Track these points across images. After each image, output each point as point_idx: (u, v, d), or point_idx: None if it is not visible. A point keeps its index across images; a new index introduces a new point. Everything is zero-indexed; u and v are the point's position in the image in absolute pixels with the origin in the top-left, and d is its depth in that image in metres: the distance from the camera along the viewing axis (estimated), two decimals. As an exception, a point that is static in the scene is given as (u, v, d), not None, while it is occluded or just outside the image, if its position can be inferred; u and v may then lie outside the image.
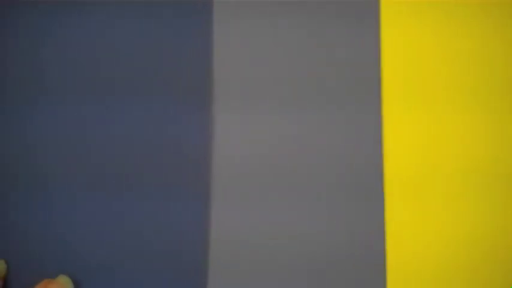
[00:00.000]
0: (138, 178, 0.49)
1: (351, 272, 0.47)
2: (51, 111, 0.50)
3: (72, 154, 0.49)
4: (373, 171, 0.48)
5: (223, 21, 0.51)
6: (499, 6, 0.51)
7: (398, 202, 0.48)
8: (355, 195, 0.48)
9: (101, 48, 0.51)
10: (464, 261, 0.47)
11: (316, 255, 0.48)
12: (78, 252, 0.48)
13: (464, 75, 0.50)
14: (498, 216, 0.48)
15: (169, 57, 0.50)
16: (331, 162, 0.48)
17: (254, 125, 0.49)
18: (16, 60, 0.51)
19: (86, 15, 0.51)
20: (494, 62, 0.50)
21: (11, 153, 0.49)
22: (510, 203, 0.48)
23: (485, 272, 0.47)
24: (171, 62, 0.50)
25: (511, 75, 0.50)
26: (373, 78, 0.50)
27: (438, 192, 0.48)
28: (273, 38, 0.50)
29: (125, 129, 0.49)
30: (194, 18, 0.51)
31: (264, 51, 0.50)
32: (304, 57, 0.50)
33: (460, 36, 0.50)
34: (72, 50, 0.51)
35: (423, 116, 0.50)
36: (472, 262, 0.47)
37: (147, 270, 0.48)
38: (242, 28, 0.51)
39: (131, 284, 0.48)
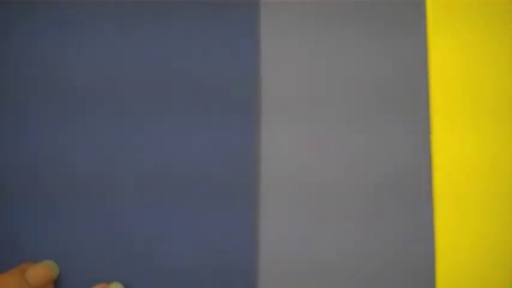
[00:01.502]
0: (187, 189, 0.48)
1: (399, 282, 0.47)
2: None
3: (124, 164, 0.49)
4: (422, 181, 0.48)
5: (270, 31, 0.51)
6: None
7: (448, 212, 0.48)
8: (404, 205, 0.48)
9: (145, 60, 0.51)
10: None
11: (365, 264, 0.47)
12: (130, 260, 0.48)
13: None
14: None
15: (215, 68, 0.50)
16: (379, 172, 0.48)
17: (302, 134, 0.49)
18: (44, 70, 0.51)
19: (123, 24, 0.51)
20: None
21: (63, 160, 0.49)
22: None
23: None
24: (217, 72, 0.50)
25: None
26: (420, 87, 0.49)
27: (488, 200, 0.48)
28: (321, 45, 0.50)
29: (172, 140, 0.49)
30: (241, 27, 0.51)
31: (311, 60, 0.50)
32: (352, 67, 0.50)
33: (509, 42, 0.50)
34: (111, 60, 0.51)
35: (472, 124, 0.49)
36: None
37: (197, 280, 0.47)
38: (288, 38, 0.50)
39: None
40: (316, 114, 0.49)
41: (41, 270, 0.46)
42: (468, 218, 0.48)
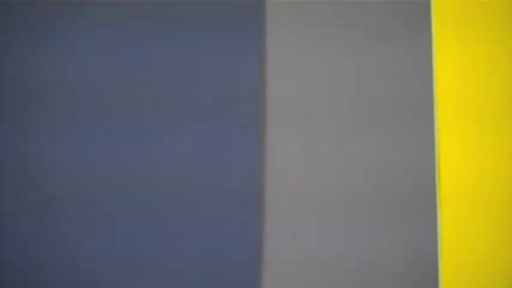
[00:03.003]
0: (192, 198, 0.48)
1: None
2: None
3: (129, 173, 0.49)
4: (429, 187, 0.47)
5: (275, 32, 0.50)
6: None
7: (454, 217, 0.48)
8: (411, 213, 0.47)
9: (144, 64, 0.50)
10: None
11: (370, 272, 0.47)
12: (134, 269, 0.48)
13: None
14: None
15: (219, 72, 0.50)
16: (386, 179, 0.48)
17: (307, 145, 0.49)
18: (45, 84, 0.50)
19: (122, 34, 0.51)
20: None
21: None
22: None
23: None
24: (222, 76, 0.50)
25: None
26: (427, 92, 0.49)
27: (495, 206, 0.48)
28: (326, 56, 0.50)
29: (176, 151, 0.49)
30: (246, 28, 0.50)
31: (316, 71, 0.50)
32: (359, 70, 0.49)
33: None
34: (105, 71, 0.50)
35: (479, 128, 0.49)
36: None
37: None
38: (293, 47, 0.50)
39: None
40: (322, 119, 0.49)
41: None
42: (474, 222, 0.48)
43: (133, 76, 0.50)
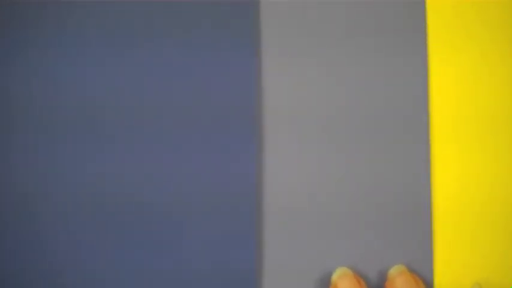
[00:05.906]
0: (187, 212, 0.48)
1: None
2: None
3: (126, 187, 0.48)
4: (422, 207, 0.48)
5: (271, 51, 0.50)
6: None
7: (449, 240, 0.48)
8: (405, 232, 0.47)
9: (137, 71, 0.50)
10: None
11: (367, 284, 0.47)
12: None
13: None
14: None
15: (215, 86, 0.49)
16: (379, 197, 0.48)
17: (304, 158, 0.48)
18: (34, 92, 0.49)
19: (114, 39, 0.50)
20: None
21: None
22: None
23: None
24: (217, 91, 0.49)
25: None
26: (421, 111, 0.49)
27: (490, 228, 0.48)
28: (323, 68, 0.50)
29: (171, 162, 0.48)
30: (241, 45, 0.50)
31: (313, 83, 0.49)
32: (354, 89, 0.49)
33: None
34: (100, 77, 0.49)
35: (475, 140, 0.49)
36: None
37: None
38: (289, 57, 0.50)
39: None
40: (318, 137, 0.49)
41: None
42: (471, 245, 0.48)
43: (122, 85, 0.49)
